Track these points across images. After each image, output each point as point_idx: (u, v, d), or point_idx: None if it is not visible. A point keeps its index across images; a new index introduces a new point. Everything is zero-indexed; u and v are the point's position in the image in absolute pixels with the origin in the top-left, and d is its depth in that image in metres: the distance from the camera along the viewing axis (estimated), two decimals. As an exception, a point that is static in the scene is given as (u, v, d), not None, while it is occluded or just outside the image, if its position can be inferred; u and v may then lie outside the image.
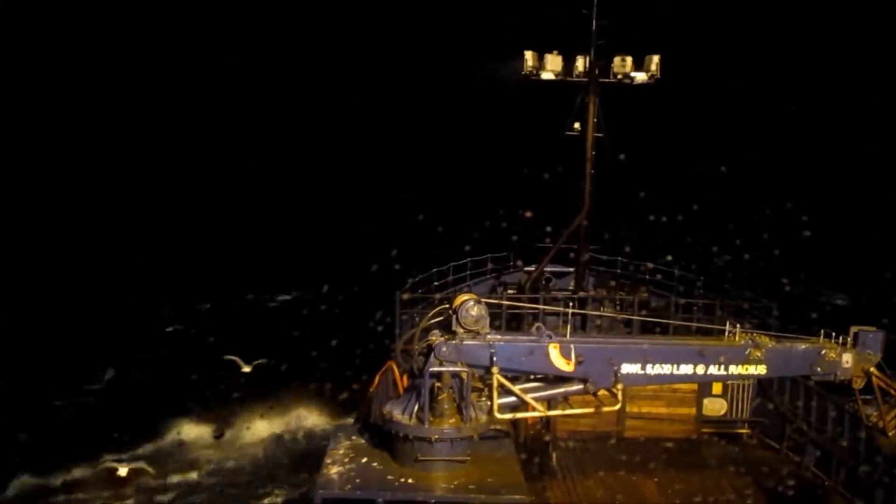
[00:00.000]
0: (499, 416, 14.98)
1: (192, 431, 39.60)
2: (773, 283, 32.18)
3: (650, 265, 31.22)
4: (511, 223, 32.47)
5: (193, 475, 35.69)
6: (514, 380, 15.30)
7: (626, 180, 29.01)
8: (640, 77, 28.91)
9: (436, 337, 15.02)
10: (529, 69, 29.17)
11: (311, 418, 41.01)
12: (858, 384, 16.28)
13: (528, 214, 29.76)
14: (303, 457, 36.17)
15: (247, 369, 37.26)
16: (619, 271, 32.44)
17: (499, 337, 15.21)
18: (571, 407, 16.55)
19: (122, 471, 32.50)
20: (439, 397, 14.67)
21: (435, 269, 30.69)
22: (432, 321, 15.59)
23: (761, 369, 16.00)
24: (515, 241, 32.20)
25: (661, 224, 30.94)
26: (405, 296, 26.92)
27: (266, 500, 34.08)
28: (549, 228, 30.00)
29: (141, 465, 33.46)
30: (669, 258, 30.94)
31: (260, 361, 38.11)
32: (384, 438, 15.43)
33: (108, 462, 33.19)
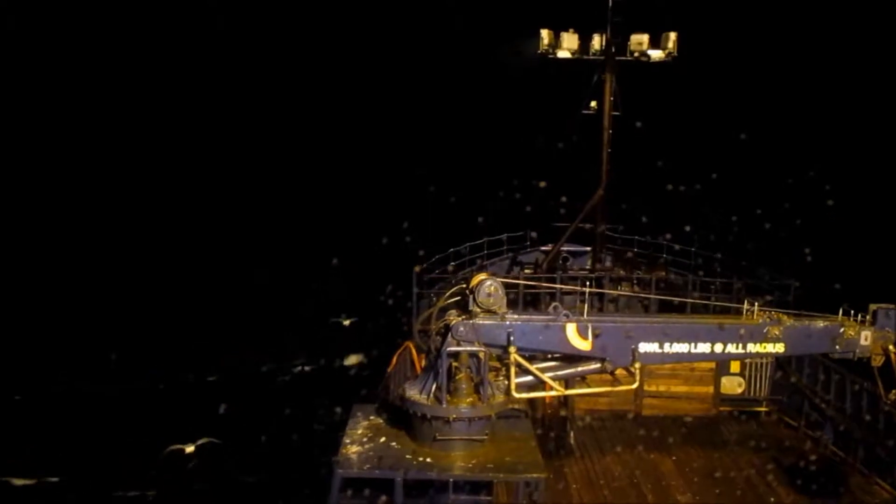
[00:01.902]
0: (516, 395, 15.02)
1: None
2: (795, 253, 31.86)
3: (668, 236, 31.08)
4: (525, 194, 32.29)
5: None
6: (531, 359, 15.33)
7: (643, 151, 28.82)
8: (657, 55, 28.74)
9: (453, 317, 15.05)
10: (545, 48, 29.02)
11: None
12: (877, 362, 16.22)
13: (543, 184, 29.64)
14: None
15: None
16: (636, 249, 32.36)
17: (516, 316, 15.23)
18: (589, 386, 16.60)
19: (190, 448, 32.38)
20: (457, 377, 14.71)
21: (451, 249, 30.70)
22: (449, 301, 15.64)
23: (779, 347, 15.95)
24: (529, 212, 32.05)
25: (678, 193, 30.71)
26: (417, 268, 26.95)
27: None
28: (563, 199, 29.86)
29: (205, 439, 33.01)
30: (688, 229, 30.75)
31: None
32: (402, 418, 15.50)
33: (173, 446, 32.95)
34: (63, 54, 77.63)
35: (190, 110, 77.71)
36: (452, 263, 30.04)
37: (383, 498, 14.52)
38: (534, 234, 32.22)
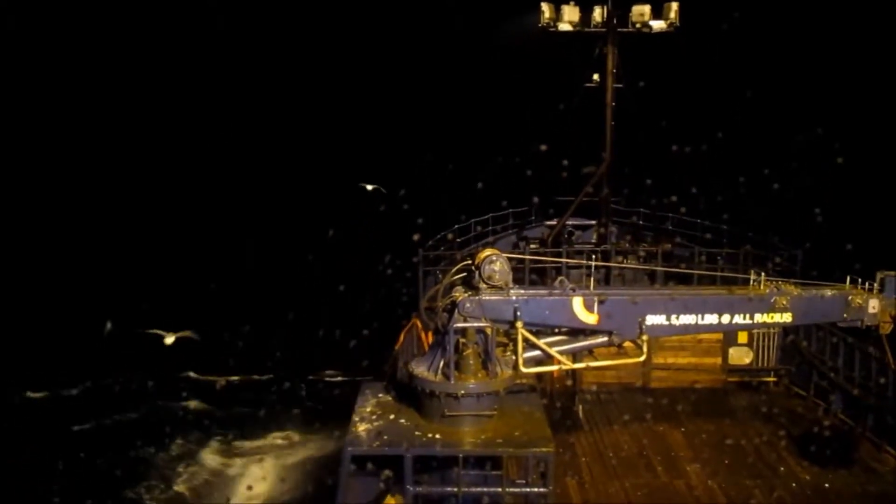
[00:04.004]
0: (524, 370, 15.05)
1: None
2: (804, 214, 31.47)
3: (674, 198, 30.87)
4: (525, 158, 32.05)
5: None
6: (538, 334, 15.34)
7: (646, 112, 28.46)
8: (659, 25, 28.52)
9: (459, 293, 15.04)
10: (546, 21, 28.81)
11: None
12: (886, 329, 16.20)
13: (544, 148, 29.40)
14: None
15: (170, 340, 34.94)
16: (641, 222, 32.27)
17: (522, 291, 15.23)
18: (596, 359, 16.59)
19: (169, 339, 32.20)
20: (464, 353, 14.72)
21: (457, 226, 30.66)
22: (455, 277, 15.62)
23: (787, 317, 15.93)
24: (530, 177, 31.81)
25: (683, 154, 30.31)
26: (416, 236, 26.92)
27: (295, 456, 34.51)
28: (565, 162, 29.58)
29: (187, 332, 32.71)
30: (694, 190, 30.41)
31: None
32: (411, 395, 15.54)
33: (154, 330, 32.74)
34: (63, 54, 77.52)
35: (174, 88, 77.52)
36: (458, 240, 30.00)
37: (387, 472, 14.62)
38: (535, 199, 32.03)
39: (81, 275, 53.29)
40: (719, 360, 25.45)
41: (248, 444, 35.48)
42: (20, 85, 74.18)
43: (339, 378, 42.56)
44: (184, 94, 77.29)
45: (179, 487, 32.53)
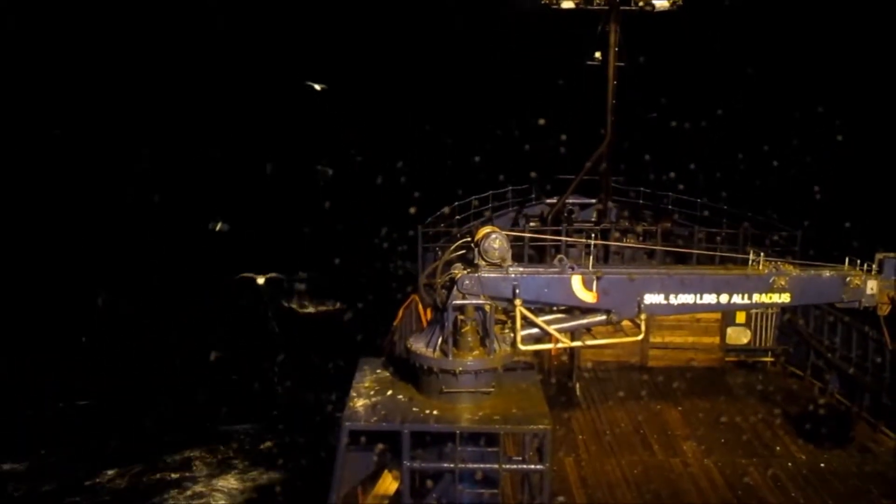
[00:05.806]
0: (522, 347, 15.07)
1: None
2: (804, 191, 31.39)
3: (672, 174, 30.81)
4: (523, 133, 31.95)
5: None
6: (537, 311, 15.35)
7: (646, 89, 28.41)
8: (662, 4, 28.39)
9: (458, 270, 15.04)
10: (549, -2, 28.73)
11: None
12: (883, 311, 16.20)
13: (542, 122, 29.34)
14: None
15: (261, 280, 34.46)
16: (640, 201, 32.25)
17: (521, 269, 15.21)
18: (595, 338, 16.61)
19: (260, 280, 32.20)
20: (463, 330, 14.73)
21: (456, 203, 30.64)
22: (454, 254, 15.62)
23: (785, 297, 15.93)
24: (528, 151, 31.78)
25: (683, 131, 30.24)
26: (413, 209, 26.93)
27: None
28: (563, 137, 29.54)
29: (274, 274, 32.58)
30: (692, 167, 30.34)
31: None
32: (409, 371, 15.56)
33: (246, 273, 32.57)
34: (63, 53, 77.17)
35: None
36: (457, 217, 29.99)
37: (380, 446, 14.67)
38: (533, 174, 31.98)
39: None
40: (717, 340, 25.50)
41: (241, 420, 35.49)
42: (19, 83, 74.04)
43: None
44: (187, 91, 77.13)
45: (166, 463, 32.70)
